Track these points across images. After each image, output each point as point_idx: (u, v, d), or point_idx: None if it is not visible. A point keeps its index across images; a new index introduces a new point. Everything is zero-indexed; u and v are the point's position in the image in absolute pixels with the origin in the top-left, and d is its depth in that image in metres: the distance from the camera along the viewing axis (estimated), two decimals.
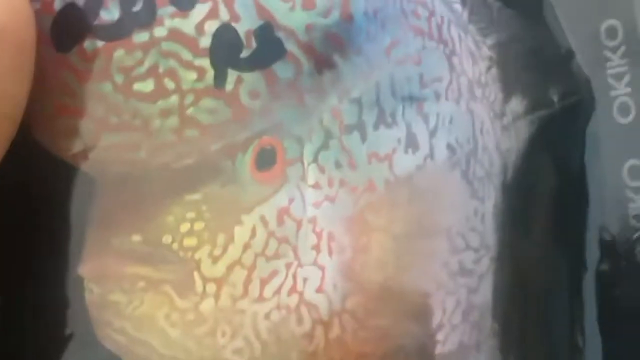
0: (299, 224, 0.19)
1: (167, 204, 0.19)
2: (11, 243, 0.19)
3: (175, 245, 0.19)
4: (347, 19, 0.19)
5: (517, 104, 0.21)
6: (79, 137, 0.19)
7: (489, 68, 0.21)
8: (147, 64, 0.19)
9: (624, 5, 0.21)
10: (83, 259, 0.19)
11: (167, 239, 0.19)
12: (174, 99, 0.19)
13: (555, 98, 0.21)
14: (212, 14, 0.19)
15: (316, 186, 0.19)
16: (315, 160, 0.19)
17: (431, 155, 0.19)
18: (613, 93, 0.21)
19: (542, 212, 0.21)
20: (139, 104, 0.19)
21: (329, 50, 0.19)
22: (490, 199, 0.20)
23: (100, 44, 0.19)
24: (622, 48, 0.21)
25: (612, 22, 0.21)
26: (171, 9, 0.19)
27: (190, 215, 0.19)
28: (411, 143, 0.19)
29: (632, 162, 0.21)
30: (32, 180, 0.19)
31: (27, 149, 0.18)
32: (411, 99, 0.20)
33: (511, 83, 0.21)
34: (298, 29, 0.19)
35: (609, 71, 0.21)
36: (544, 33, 0.21)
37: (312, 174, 0.19)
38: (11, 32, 0.17)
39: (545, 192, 0.21)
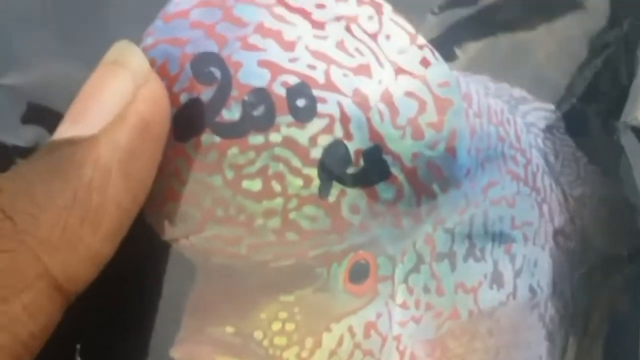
0: (384, 340, 0.20)
1: (262, 301, 0.20)
2: (111, 316, 0.20)
3: (265, 342, 0.20)
4: (451, 154, 0.21)
5: (592, 257, 0.22)
6: (184, 223, 0.20)
7: (572, 219, 0.22)
8: (258, 164, 0.20)
9: None
10: (177, 342, 0.20)
11: (258, 334, 0.20)
12: (278, 201, 0.20)
13: (624, 253, 0.22)
14: (328, 129, 0.20)
15: (404, 306, 0.21)
16: (405, 281, 0.21)
17: (514, 294, 0.21)
18: None
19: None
20: (245, 201, 0.20)
21: (430, 179, 0.21)
22: (561, 343, 0.21)
23: (216, 139, 0.20)
24: None
25: None
26: (289, 118, 0.20)
27: (283, 315, 0.20)
28: (497, 280, 0.21)
29: None
30: (138, 259, 0.20)
31: (136, 228, 0.19)
32: (501, 238, 0.21)
33: (589, 236, 0.22)
34: (404, 155, 0.20)
35: None
36: (620, 189, 0.23)
37: (401, 294, 0.21)
38: (155, 125, 0.19)
39: (608, 339, 0.22)
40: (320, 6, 0.21)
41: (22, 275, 0.17)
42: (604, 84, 0.23)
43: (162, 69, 0.20)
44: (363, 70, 0.20)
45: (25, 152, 0.22)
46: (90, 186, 0.18)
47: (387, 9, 0.21)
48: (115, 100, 0.19)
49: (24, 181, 0.18)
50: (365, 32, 0.21)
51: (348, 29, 0.21)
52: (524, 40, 0.23)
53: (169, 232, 0.20)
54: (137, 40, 0.21)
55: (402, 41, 0.21)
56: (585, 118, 0.23)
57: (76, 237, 0.18)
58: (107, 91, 0.19)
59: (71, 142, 0.18)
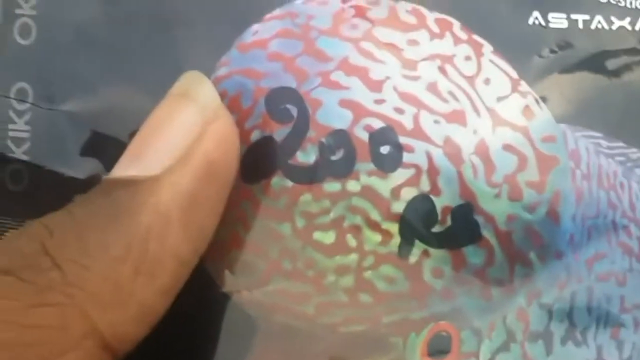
0: None
1: None
2: None
3: None
4: (554, 219, 0.19)
5: None
6: (248, 274, 0.19)
7: None
8: (332, 215, 0.19)
9: None
10: None
11: None
12: (353, 257, 0.19)
13: None
14: (413, 181, 0.19)
15: None
16: None
17: None
18: None
19: None
20: (316, 255, 0.19)
21: (527, 246, 0.19)
22: None
23: (288, 183, 0.19)
24: None
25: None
26: (371, 166, 0.19)
27: None
28: None
29: None
30: (194, 310, 0.19)
31: (194, 276, 0.18)
32: (607, 320, 0.19)
33: None
34: (499, 217, 0.19)
35: None
36: None
37: None
38: (222, 168, 0.18)
39: None
40: (413, 42, 0.20)
41: (69, 333, 0.16)
42: None
43: (234, 103, 0.19)
44: (457, 117, 0.19)
45: (82, 185, 0.21)
46: (147, 235, 0.17)
47: (487, 49, 0.20)
48: (180, 137, 0.18)
49: (76, 225, 0.17)
50: (461, 74, 0.19)
51: (442, 69, 0.19)
52: None
53: (230, 282, 0.19)
54: (207, 70, 0.20)
55: (503, 87, 0.20)
56: None
57: (129, 292, 0.16)
58: (173, 127, 0.18)
59: (130, 184, 0.17)
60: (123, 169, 0.18)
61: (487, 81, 0.20)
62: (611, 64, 0.21)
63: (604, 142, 0.20)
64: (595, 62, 0.21)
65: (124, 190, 0.17)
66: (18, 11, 0.21)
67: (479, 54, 0.20)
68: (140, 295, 0.17)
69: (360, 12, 0.20)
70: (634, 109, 0.21)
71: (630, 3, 0.22)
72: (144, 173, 0.17)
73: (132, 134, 0.19)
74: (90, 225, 0.17)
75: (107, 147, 0.21)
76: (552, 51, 0.21)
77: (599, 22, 0.21)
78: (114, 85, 0.21)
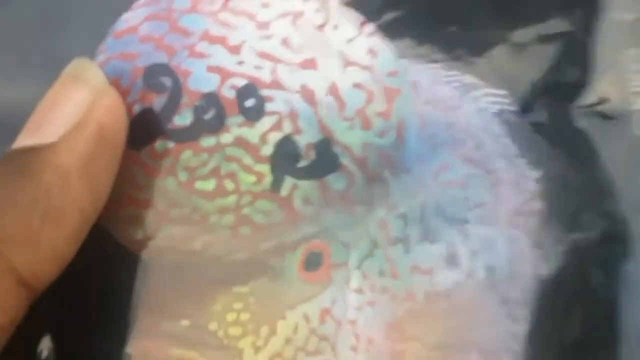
0: (339, 325, 0.21)
1: (217, 293, 0.21)
2: (67, 318, 0.22)
3: (220, 333, 0.21)
4: (401, 141, 0.22)
5: (556, 234, 0.23)
6: (141, 226, 0.22)
7: (532, 199, 0.23)
8: (210, 165, 0.21)
9: None
10: (132, 339, 0.21)
11: (213, 326, 0.21)
12: (232, 198, 0.21)
13: (593, 233, 0.23)
14: (277, 126, 0.21)
15: (359, 291, 0.22)
16: (359, 266, 0.22)
17: (470, 274, 0.22)
18: None
19: (574, 338, 0.22)
20: (199, 201, 0.21)
21: (381, 167, 0.22)
22: (525, 322, 0.22)
23: (170, 144, 0.22)
24: None
25: None
26: (240, 118, 0.22)
27: (238, 305, 0.21)
28: (452, 261, 0.22)
29: None
30: (94, 263, 0.22)
31: (92, 233, 0.21)
32: (455, 219, 0.22)
33: (553, 214, 0.23)
34: (354, 146, 0.22)
35: None
36: (586, 173, 0.24)
37: (355, 279, 0.22)
38: (112, 133, 0.21)
39: (578, 319, 0.23)
40: (265, 5, 0.22)
41: None
42: (560, 69, 0.24)
43: (115, 84, 0.21)
44: (309, 64, 0.22)
45: None
46: (50, 189, 0.19)
47: (334, 0, 0.22)
48: (74, 110, 0.20)
49: None
50: (311, 25, 0.22)
51: (293, 24, 0.22)
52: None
53: (125, 235, 0.22)
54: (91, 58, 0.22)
55: (350, 30, 0.22)
56: (541, 102, 0.23)
57: (39, 237, 0.19)
58: (66, 103, 0.20)
59: (30, 150, 0.20)
60: (23, 141, 0.20)
61: (335, 27, 0.22)
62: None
63: (442, 72, 0.24)
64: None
65: (26, 155, 0.20)
66: None
67: (327, 5, 0.23)
68: (49, 240, 0.19)
69: None
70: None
71: None
72: (43, 141, 0.20)
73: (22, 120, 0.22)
74: None
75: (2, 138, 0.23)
76: None
77: None
78: (6, 83, 0.23)
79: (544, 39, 0.24)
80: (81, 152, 0.20)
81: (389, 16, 0.24)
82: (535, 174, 0.24)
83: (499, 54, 0.24)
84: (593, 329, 0.22)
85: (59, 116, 0.20)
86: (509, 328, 0.22)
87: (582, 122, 0.24)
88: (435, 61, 0.23)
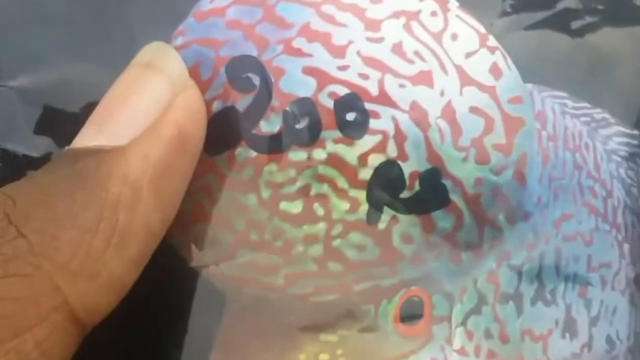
0: None
1: (300, 340, 0.20)
2: (130, 351, 0.20)
3: None
4: (520, 181, 0.20)
5: None
6: (214, 247, 0.20)
7: None
8: (298, 184, 0.20)
9: None
10: None
11: None
12: (321, 226, 0.20)
13: None
14: (380, 147, 0.20)
15: (462, 352, 0.20)
16: (464, 323, 0.20)
17: (589, 345, 0.20)
18: None
19: None
20: (283, 225, 0.20)
21: (495, 209, 0.20)
22: None
23: (252, 153, 0.20)
24: None
25: None
26: (337, 133, 0.20)
27: (324, 357, 0.20)
28: (569, 328, 0.20)
29: None
30: (161, 287, 0.20)
31: (160, 251, 0.19)
32: (575, 279, 0.20)
33: None
34: (467, 180, 0.20)
35: None
36: None
37: (458, 338, 0.20)
38: (191, 139, 0.19)
39: None
40: (377, 0, 0.20)
41: (37, 306, 0.16)
42: None
43: (193, 73, 0.20)
44: (423, 78, 0.20)
45: (37, 163, 0.22)
46: (117, 205, 0.17)
47: (453, 4, 0.21)
48: (148, 107, 0.18)
49: (41, 194, 0.17)
50: (427, 30, 0.20)
51: (407, 27, 0.20)
52: (606, 54, 0.22)
53: (197, 257, 0.20)
54: (165, 41, 0.20)
55: (471, 42, 0.20)
56: None
57: (99, 263, 0.17)
58: (140, 97, 0.18)
59: (97, 153, 0.18)
60: (87, 139, 0.18)
61: (454, 36, 0.20)
62: (574, 23, 0.22)
63: (569, 103, 0.22)
64: (558, 21, 0.22)
65: (91, 159, 0.17)
66: None
67: (445, 9, 0.21)
68: (110, 266, 0.17)
69: None
70: (597, 69, 0.22)
71: None
72: (111, 143, 0.18)
73: (85, 108, 0.20)
74: (56, 193, 0.17)
75: (60, 123, 0.21)
76: (516, 8, 0.22)
77: None
78: (66, 59, 0.21)
79: None
80: (155, 161, 0.18)
81: (514, 24, 0.21)
82: None
83: (630, 79, 0.22)
84: None
85: (130, 113, 0.18)
86: None
87: None
88: (562, 88, 0.21)
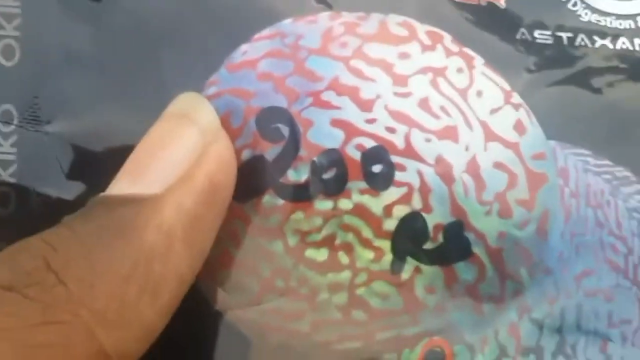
0: None
1: None
2: None
3: None
4: (542, 236, 0.20)
5: None
6: (240, 293, 0.20)
7: None
8: (324, 232, 0.20)
9: None
10: None
11: None
12: (345, 274, 0.20)
13: None
14: (405, 199, 0.20)
15: None
16: None
17: None
18: None
19: None
20: (309, 272, 0.20)
21: (517, 263, 0.20)
22: None
23: (280, 201, 0.20)
24: None
25: None
26: (363, 184, 0.20)
27: None
28: None
29: None
30: (188, 329, 0.20)
31: (190, 295, 0.19)
32: (596, 335, 0.20)
33: None
34: (489, 234, 0.20)
35: None
36: None
37: None
38: (222, 189, 0.19)
39: None
40: (404, 55, 0.21)
41: (74, 353, 0.16)
42: None
43: (223, 122, 0.20)
44: (449, 133, 0.20)
45: (70, 207, 0.22)
46: (152, 254, 0.17)
47: (479, 61, 0.21)
48: (182, 158, 0.19)
49: (79, 241, 0.17)
50: (453, 86, 0.21)
51: (434, 83, 0.21)
52: (629, 111, 0.23)
53: (223, 301, 0.20)
54: (196, 91, 0.21)
55: (496, 98, 0.21)
56: None
57: (134, 312, 0.17)
58: (174, 147, 0.19)
59: (132, 201, 0.18)
60: (122, 187, 0.18)
61: (479, 93, 0.21)
62: (596, 81, 0.23)
63: (591, 160, 0.22)
64: (580, 79, 0.23)
65: (126, 207, 0.18)
66: (1, 32, 0.22)
67: (470, 66, 0.21)
68: (144, 315, 0.17)
69: (349, 29, 0.21)
70: (618, 127, 0.22)
71: (610, 23, 0.23)
72: (146, 191, 0.18)
73: (117, 152, 0.20)
74: (94, 242, 0.17)
75: (94, 168, 0.22)
76: (539, 66, 0.22)
77: (582, 39, 0.23)
78: (100, 105, 0.22)
79: None
80: (189, 211, 0.18)
81: (538, 84, 0.22)
82: None
83: None
84: None
85: (164, 163, 0.18)
86: None
87: None
88: (585, 146, 0.21)
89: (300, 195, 0.20)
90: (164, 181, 0.18)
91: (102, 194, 0.19)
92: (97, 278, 0.17)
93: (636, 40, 0.23)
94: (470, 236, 0.20)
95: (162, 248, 0.18)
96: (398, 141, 0.20)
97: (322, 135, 0.20)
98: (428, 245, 0.20)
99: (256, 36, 0.22)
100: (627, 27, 0.23)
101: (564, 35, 0.23)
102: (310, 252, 0.20)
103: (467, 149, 0.20)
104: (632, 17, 0.23)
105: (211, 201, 0.19)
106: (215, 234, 0.19)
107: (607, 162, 0.22)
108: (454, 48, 0.21)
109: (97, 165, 0.21)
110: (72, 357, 0.16)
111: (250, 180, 0.20)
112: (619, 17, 0.23)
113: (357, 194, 0.20)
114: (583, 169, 0.22)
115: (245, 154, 0.20)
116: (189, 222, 0.18)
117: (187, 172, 0.18)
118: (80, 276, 0.17)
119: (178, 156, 0.19)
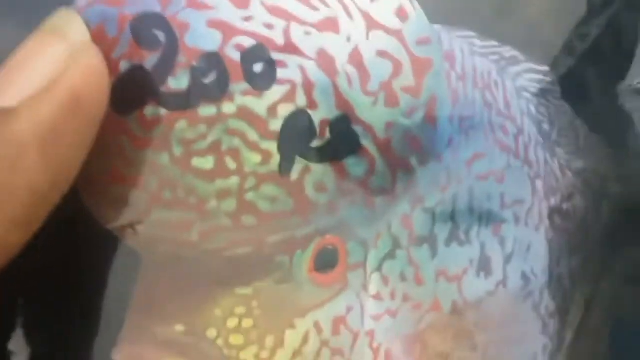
0: (355, 336, 0.20)
1: (216, 294, 0.20)
2: (48, 312, 0.20)
3: (220, 341, 0.20)
4: (431, 122, 0.20)
5: (592, 240, 0.22)
6: (128, 208, 0.20)
7: (570, 196, 0.22)
8: (209, 139, 0.20)
9: None
10: (119, 343, 0.20)
11: (211, 333, 0.20)
12: (233, 180, 0.20)
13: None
14: (289, 97, 0.20)
15: (377, 297, 0.20)
16: (379, 269, 0.21)
17: (504, 282, 0.21)
18: None
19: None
20: (196, 181, 0.20)
21: (407, 152, 0.21)
22: (560, 337, 0.21)
23: (162, 112, 0.20)
24: None
25: None
26: (245, 86, 0.20)
27: (240, 310, 0.20)
28: (484, 266, 0.21)
29: None
30: (77, 249, 0.20)
31: (73, 214, 0.19)
32: (489, 218, 0.21)
33: (589, 215, 0.22)
34: (377, 125, 0.20)
35: None
36: (629, 162, 0.23)
37: (374, 284, 0.21)
38: (88, 102, 0.19)
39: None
40: None
41: None
42: (606, 45, 0.22)
43: (98, 33, 0.20)
44: (329, 25, 0.20)
45: None
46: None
47: None
48: (44, 71, 0.18)
49: None
50: None
51: None
52: None
53: (112, 219, 0.20)
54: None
55: None
56: (584, 82, 0.22)
57: None
58: (37, 61, 0.19)
59: None
60: None
61: None
62: None
63: (477, 42, 0.22)
64: None
65: None
66: None
67: None
68: None
69: None
70: (505, 8, 0.22)
71: None
72: (2, 104, 0.18)
73: None
74: None
75: None
76: None
77: None
78: None
79: (591, 6, 0.23)
80: (45, 122, 0.18)
81: None
82: (575, 165, 0.22)
83: (537, 16, 0.22)
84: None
85: (25, 77, 0.18)
86: (543, 345, 0.21)
87: (628, 104, 0.22)
88: (469, 28, 0.21)
89: (183, 103, 0.20)
90: (22, 93, 0.18)
91: None
92: None
93: None
94: (358, 129, 0.20)
95: (12, 158, 0.18)
96: (277, 37, 0.20)
97: (199, 38, 0.20)
98: (316, 143, 0.20)
99: None
100: None
101: None
102: (196, 161, 0.20)
103: (348, 39, 0.20)
104: None
105: (74, 113, 0.18)
106: (82, 148, 0.19)
107: (493, 42, 0.22)
108: None
109: None
110: None
111: (131, 91, 0.20)
112: None
113: (240, 97, 0.20)
114: (469, 52, 0.22)
115: (123, 65, 0.20)
116: (47, 134, 0.18)
117: (47, 85, 0.18)
118: None
119: (40, 69, 0.18)
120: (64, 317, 0.20)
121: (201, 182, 0.20)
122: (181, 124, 0.20)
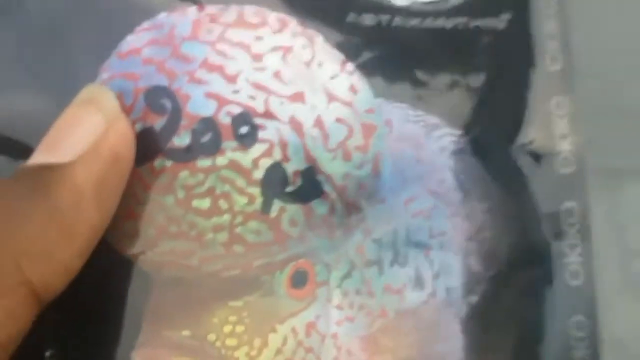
0: (323, 337, 0.23)
1: (214, 307, 0.22)
2: (72, 328, 0.22)
3: (218, 343, 0.22)
4: (376, 173, 0.24)
5: (499, 261, 0.26)
6: (141, 239, 0.22)
7: (481, 228, 0.26)
8: (206, 185, 0.22)
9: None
10: (137, 346, 0.22)
11: (211, 337, 0.22)
12: (226, 217, 0.22)
13: (526, 257, 0.26)
14: (268, 153, 0.23)
15: (339, 307, 0.23)
16: (340, 285, 0.23)
17: (433, 294, 0.24)
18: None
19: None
20: (196, 218, 0.22)
21: (358, 196, 0.23)
22: (474, 337, 0.25)
23: (168, 163, 0.22)
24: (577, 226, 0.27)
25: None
26: (234, 143, 0.23)
27: (233, 318, 0.22)
28: (418, 282, 0.24)
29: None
30: (100, 273, 0.22)
31: (98, 246, 0.21)
32: (421, 245, 0.24)
33: (496, 243, 0.26)
34: (336, 175, 0.23)
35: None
36: (520, 205, 0.27)
37: (336, 297, 0.23)
38: (123, 157, 0.21)
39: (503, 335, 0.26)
40: (259, 38, 0.23)
41: (4, 282, 0.19)
42: (502, 110, 0.27)
43: (118, 101, 0.22)
44: (298, 97, 0.23)
45: None
46: (65, 207, 0.20)
47: (319, 39, 0.24)
48: (89, 134, 0.21)
49: (2, 198, 0.20)
50: (299, 60, 0.23)
51: (284, 58, 0.23)
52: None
53: (127, 247, 0.22)
54: (91, 77, 0.23)
55: (334, 68, 0.24)
56: (487, 143, 0.26)
57: (53, 252, 0.19)
58: (81, 126, 0.21)
59: (47, 168, 0.20)
60: (39, 157, 0.20)
61: (320, 64, 0.23)
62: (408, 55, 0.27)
63: (410, 112, 0.26)
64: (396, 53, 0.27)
65: (44, 171, 0.20)
66: None
67: (312, 43, 0.24)
68: (62, 255, 0.20)
69: (213, 19, 0.23)
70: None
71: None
72: (60, 160, 0.20)
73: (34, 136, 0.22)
74: (16, 198, 0.19)
75: (9, 148, 0.23)
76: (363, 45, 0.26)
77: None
78: (15, 92, 0.23)
79: (493, 84, 0.27)
80: (96, 173, 0.20)
81: (365, 57, 0.26)
82: (483, 206, 0.27)
83: (456, 96, 0.27)
84: (520, 350, 0.26)
85: (74, 138, 0.21)
86: (462, 342, 0.25)
87: (519, 160, 0.27)
88: (403, 101, 0.26)
89: (185, 156, 0.23)
90: (74, 152, 0.20)
91: (22, 164, 0.20)
92: (21, 225, 0.19)
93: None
94: (321, 178, 0.23)
95: (75, 202, 0.20)
96: (259, 106, 0.23)
97: (198, 106, 0.22)
98: (289, 189, 0.23)
99: (138, 28, 0.23)
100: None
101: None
102: (196, 202, 0.22)
103: (313, 109, 0.23)
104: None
105: (114, 167, 0.21)
106: (120, 193, 0.21)
107: (421, 112, 0.26)
108: (299, 29, 0.24)
109: (12, 145, 0.23)
110: (2, 285, 0.19)
111: (144, 147, 0.22)
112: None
113: (230, 152, 0.22)
114: (404, 119, 0.26)
115: (138, 126, 0.22)
116: (97, 182, 0.20)
117: (94, 145, 0.21)
118: (5, 225, 0.19)
119: (85, 133, 0.21)
120: (91, 327, 0.22)
121: (200, 218, 0.22)
122: (184, 173, 0.22)
